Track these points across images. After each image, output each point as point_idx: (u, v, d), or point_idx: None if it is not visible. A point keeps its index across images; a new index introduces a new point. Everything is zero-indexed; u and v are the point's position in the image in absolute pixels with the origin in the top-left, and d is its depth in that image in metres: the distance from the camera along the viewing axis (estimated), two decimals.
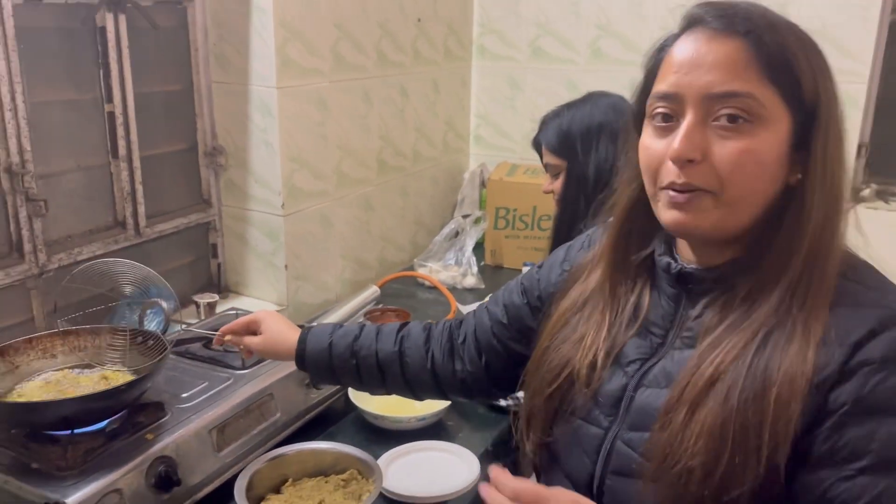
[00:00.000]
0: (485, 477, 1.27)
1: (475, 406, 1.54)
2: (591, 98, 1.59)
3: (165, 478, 1.12)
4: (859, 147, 2.33)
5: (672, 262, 0.84)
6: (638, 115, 0.85)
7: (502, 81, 2.67)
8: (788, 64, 0.74)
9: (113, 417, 1.17)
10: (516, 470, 0.81)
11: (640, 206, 0.86)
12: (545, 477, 0.94)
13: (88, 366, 1.27)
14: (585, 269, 0.96)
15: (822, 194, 0.75)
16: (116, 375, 1.24)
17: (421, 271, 2.26)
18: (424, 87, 2.40)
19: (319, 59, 1.87)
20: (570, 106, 1.59)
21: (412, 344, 1.13)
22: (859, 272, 0.78)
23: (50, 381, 1.22)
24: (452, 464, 1.33)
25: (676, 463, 0.73)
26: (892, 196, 2.35)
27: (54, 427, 1.12)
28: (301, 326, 1.20)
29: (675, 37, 0.80)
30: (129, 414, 1.20)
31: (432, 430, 1.45)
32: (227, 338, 1.23)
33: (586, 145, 1.52)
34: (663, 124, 0.78)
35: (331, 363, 1.14)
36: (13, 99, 1.41)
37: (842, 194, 0.77)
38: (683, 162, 0.75)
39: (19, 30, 1.40)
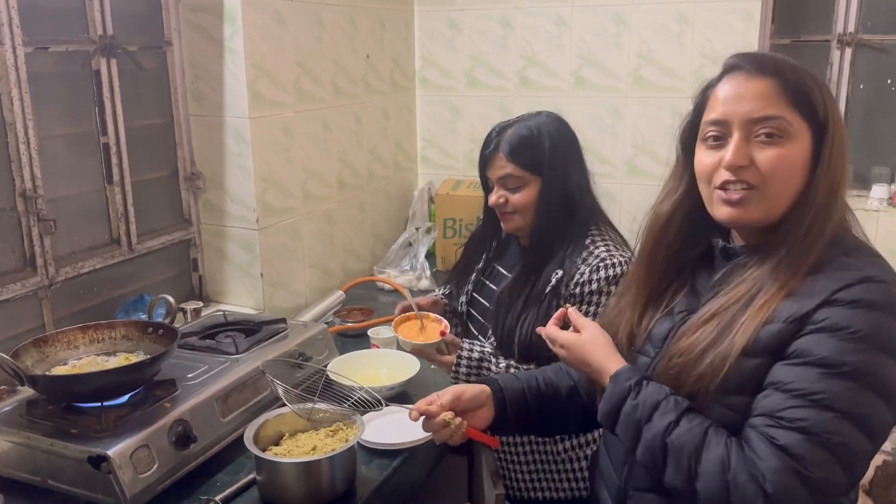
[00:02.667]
0: None
1: (436, 376, 1.79)
2: (540, 115, 1.63)
3: (184, 435, 1.36)
4: None
5: (721, 241, 1.12)
6: (688, 140, 1.13)
7: (443, 108, 2.99)
8: (806, 94, 1.01)
9: (135, 391, 1.40)
10: None
11: (680, 213, 1.15)
12: None
13: (109, 353, 1.50)
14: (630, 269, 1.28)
15: (824, 188, 1.01)
16: (136, 358, 1.47)
17: (380, 277, 2.53)
18: (375, 115, 2.69)
19: (284, 92, 2.15)
20: (523, 120, 1.62)
21: (581, 377, 1.30)
22: (856, 251, 1.02)
23: (78, 365, 1.44)
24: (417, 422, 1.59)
25: (670, 360, 1.05)
26: None
27: (88, 399, 1.35)
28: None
29: (717, 80, 1.08)
30: (146, 389, 1.43)
31: (400, 397, 1.70)
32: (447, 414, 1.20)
33: (558, 163, 1.57)
34: (714, 144, 1.06)
35: (527, 404, 1.28)
36: (26, 133, 1.65)
37: (841, 188, 1.02)
38: (736, 168, 1.02)
39: (30, 75, 1.64)
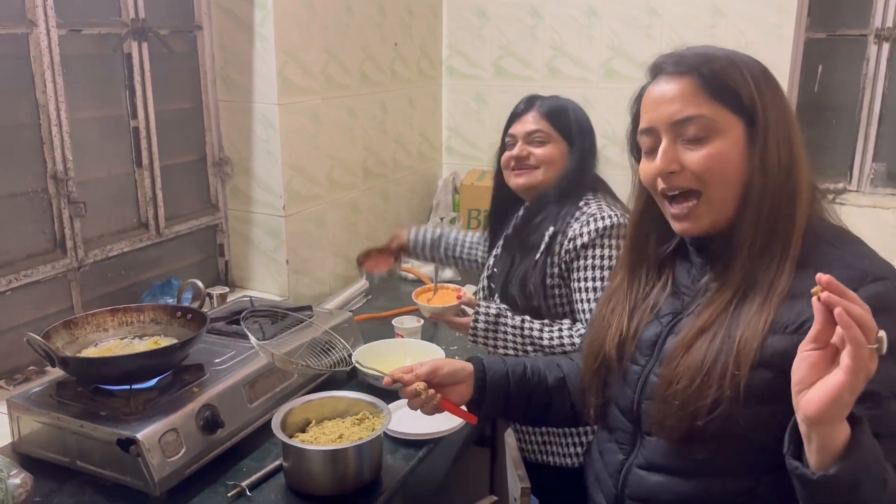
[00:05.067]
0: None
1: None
2: (568, 100, 1.74)
3: (212, 420, 1.36)
4: None
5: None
6: (634, 149, 1.10)
7: (469, 97, 2.97)
8: (729, 86, 0.96)
9: (163, 375, 1.40)
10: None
11: (648, 216, 1.11)
12: (602, 419, 1.18)
13: (139, 336, 1.50)
14: (614, 272, 1.23)
15: (771, 179, 0.95)
16: (164, 342, 1.47)
17: (404, 266, 2.52)
18: (401, 103, 2.68)
19: (312, 79, 2.14)
20: (555, 97, 1.72)
21: (571, 371, 1.28)
22: (842, 242, 0.98)
23: (108, 347, 1.45)
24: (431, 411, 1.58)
25: (670, 385, 0.98)
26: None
27: (117, 381, 1.35)
28: None
29: (645, 87, 1.05)
30: (174, 373, 1.43)
31: None
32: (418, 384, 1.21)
33: (582, 134, 1.67)
34: (650, 154, 1.03)
35: (508, 389, 1.26)
36: (59, 116, 1.65)
37: (794, 169, 0.96)
38: (666, 174, 0.99)
39: (63, 57, 1.65)
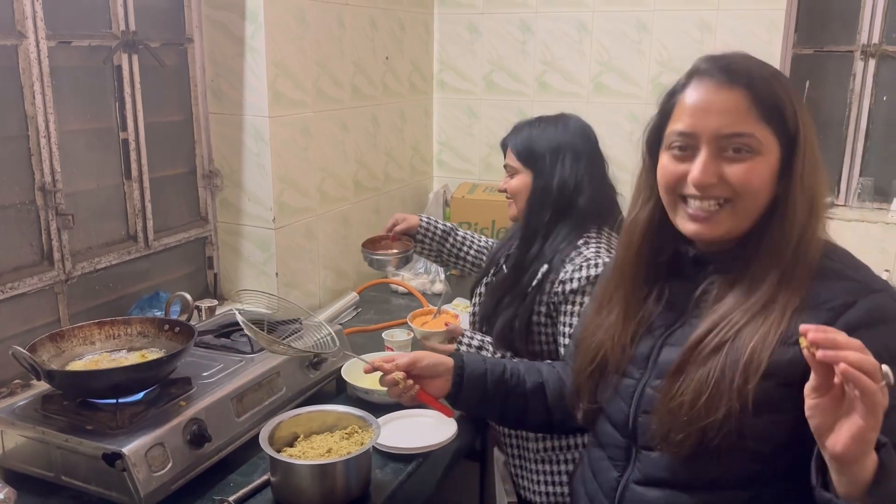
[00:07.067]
0: (461, 435, 1.53)
1: None
2: (563, 118, 1.71)
3: (199, 435, 1.34)
4: None
5: (691, 248, 1.06)
6: (652, 145, 1.06)
7: (460, 111, 2.98)
8: (778, 108, 0.96)
9: (150, 389, 1.39)
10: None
11: (654, 223, 1.09)
12: (593, 427, 1.18)
13: (126, 349, 1.49)
14: (605, 281, 1.21)
15: (804, 201, 0.96)
16: (152, 355, 1.46)
17: (395, 279, 2.52)
18: (393, 117, 2.69)
19: (304, 92, 2.14)
20: (543, 120, 1.71)
21: (550, 378, 1.30)
22: (838, 255, 1.00)
23: (94, 361, 1.44)
24: (433, 426, 1.57)
25: (672, 398, 0.97)
26: None
27: (104, 395, 1.34)
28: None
29: (683, 84, 1.01)
30: (162, 387, 1.42)
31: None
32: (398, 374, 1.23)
33: (553, 160, 1.63)
34: (680, 153, 1.00)
35: (485, 387, 1.27)
36: (47, 127, 1.65)
37: (820, 199, 0.98)
38: (704, 186, 0.97)
39: (52, 69, 1.64)
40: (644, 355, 1.08)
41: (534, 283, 1.59)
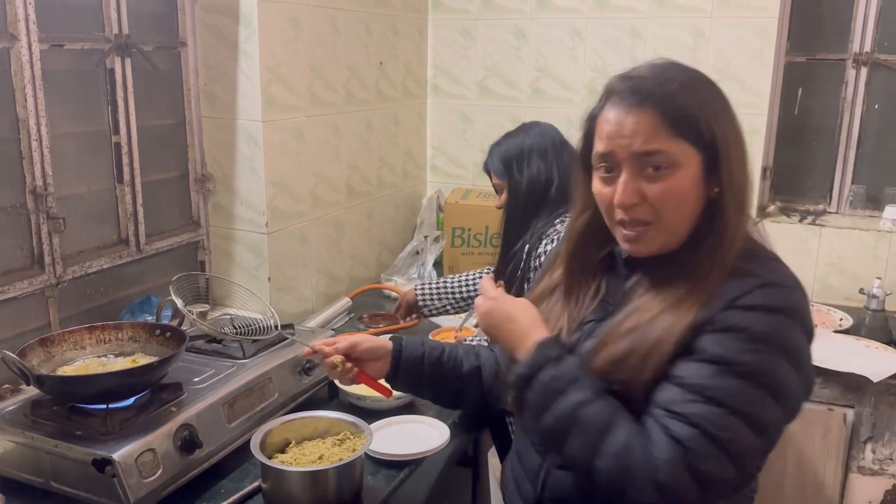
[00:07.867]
0: (454, 441, 1.52)
1: None
2: (524, 127, 1.89)
3: (190, 440, 1.34)
4: (764, 170, 2.71)
5: (623, 250, 1.12)
6: (585, 165, 1.11)
7: (454, 116, 2.98)
8: (689, 120, 0.99)
9: (141, 394, 1.38)
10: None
11: (593, 228, 1.15)
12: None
13: (117, 354, 1.48)
14: (551, 265, 1.25)
15: (734, 207, 1.01)
16: (143, 360, 1.45)
17: (387, 285, 2.51)
18: (386, 122, 2.68)
19: (297, 96, 2.14)
20: (508, 135, 1.90)
21: (488, 361, 1.38)
22: (754, 255, 1.04)
23: (84, 365, 1.43)
24: (426, 432, 1.57)
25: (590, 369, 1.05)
26: (793, 212, 2.72)
27: (94, 400, 1.33)
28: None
29: (600, 107, 1.06)
30: (153, 392, 1.41)
31: (406, 408, 1.69)
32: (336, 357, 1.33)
33: (520, 165, 1.82)
34: (606, 175, 1.05)
35: (422, 370, 1.36)
36: (39, 131, 1.64)
37: (747, 201, 1.03)
38: (626, 206, 1.03)
39: (44, 72, 1.63)
40: (570, 345, 1.12)
41: (521, 265, 1.73)
